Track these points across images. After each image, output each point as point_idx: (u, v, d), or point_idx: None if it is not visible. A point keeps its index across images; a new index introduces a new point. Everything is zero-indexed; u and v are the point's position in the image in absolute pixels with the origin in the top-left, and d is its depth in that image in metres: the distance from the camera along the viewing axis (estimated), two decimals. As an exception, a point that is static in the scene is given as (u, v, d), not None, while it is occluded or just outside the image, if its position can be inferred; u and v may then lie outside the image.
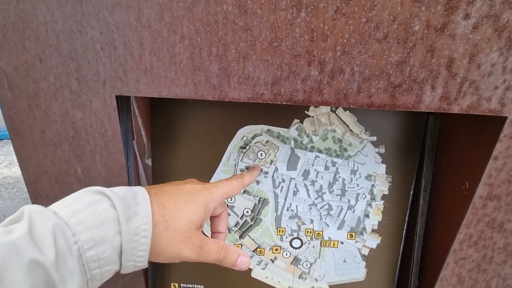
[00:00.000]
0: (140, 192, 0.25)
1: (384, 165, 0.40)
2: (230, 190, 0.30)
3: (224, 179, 0.32)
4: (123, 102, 0.33)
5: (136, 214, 0.23)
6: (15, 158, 0.33)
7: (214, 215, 0.32)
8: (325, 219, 0.42)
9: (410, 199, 0.41)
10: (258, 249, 0.43)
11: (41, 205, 0.22)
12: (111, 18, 0.26)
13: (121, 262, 0.23)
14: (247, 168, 0.41)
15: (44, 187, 0.34)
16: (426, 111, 0.28)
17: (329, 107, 0.39)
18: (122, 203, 0.23)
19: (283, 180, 0.41)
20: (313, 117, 0.39)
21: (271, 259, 0.44)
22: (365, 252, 0.43)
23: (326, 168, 0.41)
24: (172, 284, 0.44)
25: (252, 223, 0.43)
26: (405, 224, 0.42)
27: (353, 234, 0.42)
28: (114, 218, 0.22)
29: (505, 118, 0.27)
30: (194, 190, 0.27)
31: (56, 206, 0.22)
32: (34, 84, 0.29)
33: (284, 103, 0.28)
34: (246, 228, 0.43)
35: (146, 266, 0.25)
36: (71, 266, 0.20)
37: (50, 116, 0.31)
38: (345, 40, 0.26)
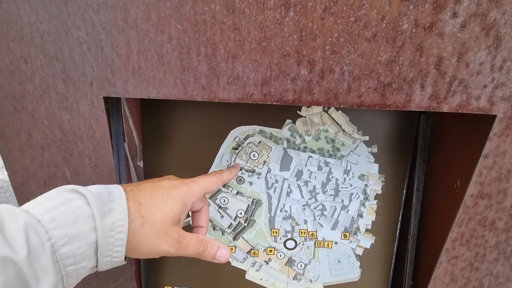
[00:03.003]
0: (115, 190, 0.25)
1: (377, 165, 0.40)
2: (209, 185, 0.30)
3: (203, 175, 0.32)
4: (113, 103, 0.32)
5: (111, 210, 0.23)
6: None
7: (195, 210, 0.32)
8: (318, 219, 0.42)
9: (403, 198, 0.41)
10: (252, 251, 0.43)
11: (12, 205, 0.21)
12: (97, 18, 0.26)
13: (97, 258, 0.23)
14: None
15: (32, 191, 0.34)
16: (416, 110, 0.28)
17: (321, 107, 0.39)
18: (96, 200, 0.23)
19: (276, 181, 0.41)
20: (305, 117, 0.39)
21: (265, 261, 0.43)
22: (359, 252, 0.43)
23: (319, 168, 0.40)
24: (165, 287, 0.44)
25: (246, 224, 0.42)
26: (399, 223, 0.42)
27: (347, 234, 0.42)
28: (88, 214, 0.22)
29: (494, 116, 0.27)
30: (171, 185, 0.27)
31: (28, 205, 0.22)
32: (20, 86, 0.29)
33: (274, 103, 0.28)
34: (239, 229, 0.42)
35: (124, 263, 0.25)
36: (45, 263, 0.20)
37: (36, 119, 0.30)
38: (334, 40, 0.25)
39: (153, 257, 0.26)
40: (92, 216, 0.22)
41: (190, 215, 0.34)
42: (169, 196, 0.27)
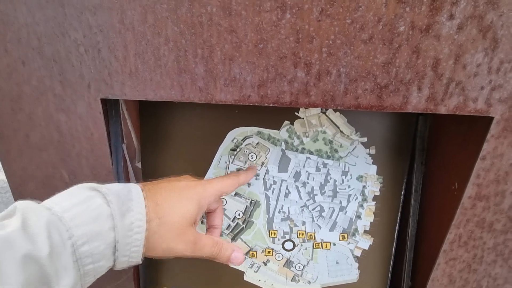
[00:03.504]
0: (134, 189, 0.25)
1: (375, 166, 0.40)
2: (225, 187, 0.30)
3: (219, 177, 0.32)
4: (112, 105, 0.32)
5: (130, 210, 0.23)
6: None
7: (209, 211, 0.32)
8: (317, 220, 0.42)
9: (401, 199, 0.41)
10: (250, 252, 0.43)
11: (33, 201, 0.21)
12: (94, 20, 0.26)
13: (115, 257, 0.23)
14: (238, 170, 0.40)
15: (30, 192, 0.34)
16: (413, 112, 0.28)
17: (319, 109, 0.39)
18: (116, 199, 0.23)
19: (275, 182, 0.41)
20: (303, 118, 0.39)
21: (263, 262, 0.43)
22: (358, 253, 0.43)
23: (317, 169, 0.40)
24: (163, 288, 0.44)
25: (244, 225, 0.42)
26: (397, 224, 0.42)
27: (345, 235, 0.42)
28: (108, 214, 0.22)
29: (492, 118, 0.27)
30: (188, 186, 0.27)
31: (49, 202, 0.22)
32: (17, 88, 0.29)
33: (271, 105, 0.28)
34: (238, 230, 0.42)
35: (140, 263, 0.25)
36: (65, 261, 0.20)
37: (34, 120, 0.30)
38: (330, 42, 0.25)
39: (170, 257, 0.26)
40: (111, 216, 0.22)
41: (204, 215, 0.34)
42: (186, 197, 0.27)
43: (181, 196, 0.26)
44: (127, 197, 0.24)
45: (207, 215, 0.33)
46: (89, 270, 0.22)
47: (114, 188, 0.24)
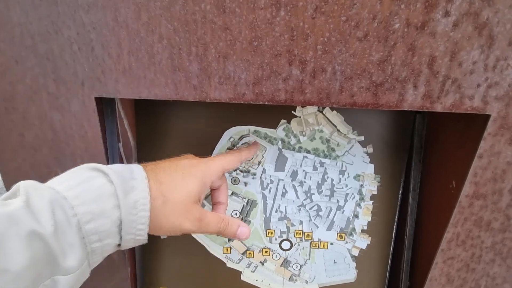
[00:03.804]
0: (136, 169, 0.25)
1: (373, 165, 0.40)
2: (227, 164, 0.30)
3: (222, 153, 0.32)
4: (107, 103, 0.32)
5: (133, 189, 0.23)
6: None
7: (214, 188, 0.32)
8: (314, 220, 0.42)
9: (399, 198, 0.41)
10: (248, 252, 0.43)
11: (35, 181, 0.21)
12: (87, 18, 0.26)
13: (120, 235, 0.23)
14: (235, 170, 0.40)
15: (25, 192, 0.34)
16: (409, 110, 0.27)
17: (316, 107, 0.38)
18: (118, 178, 0.23)
19: (271, 181, 0.41)
20: (300, 117, 0.39)
21: (260, 262, 0.43)
22: (355, 253, 0.42)
23: (314, 168, 0.40)
24: (160, 288, 0.44)
25: (241, 225, 0.42)
26: (395, 224, 0.42)
27: (343, 235, 0.42)
28: (111, 192, 0.22)
29: (488, 116, 0.27)
30: (190, 164, 0.27)
31: (51, 182, 0.22)
32: (11, 87, 0.29)
33: (266, 103, 0.28)
34: (234, 230, 0.42)
35: (146, 241, 0.24)
36: (71, 238, 0.20)
37: (28, 119, 0.30)
38: (325, 39, 0.25)
39: (176, 235, 0.26)
40: (115, 194, 0.22)
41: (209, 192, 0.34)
42: (189, 174, 0.27)
43: (184, 175, 0.26)
44: (130, 176, 0.24)
45: (212, 192, 0.33)
46: (96, 248, 0.22)
47: (117, 168, 0.24)
